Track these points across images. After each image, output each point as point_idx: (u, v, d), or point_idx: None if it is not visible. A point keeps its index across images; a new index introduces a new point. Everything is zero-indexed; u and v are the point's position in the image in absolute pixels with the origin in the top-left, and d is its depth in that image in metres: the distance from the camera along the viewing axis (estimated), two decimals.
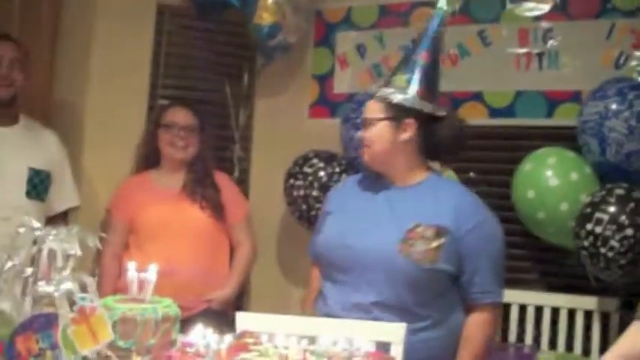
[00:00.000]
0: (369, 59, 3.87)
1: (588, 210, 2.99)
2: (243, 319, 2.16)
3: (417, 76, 2.34)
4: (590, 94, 3.22)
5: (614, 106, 3.09)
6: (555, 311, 3.33)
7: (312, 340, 1.78)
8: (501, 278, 2.37)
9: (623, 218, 2.92)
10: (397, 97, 2.33)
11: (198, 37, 3.94)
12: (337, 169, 3.55)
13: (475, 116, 3.65)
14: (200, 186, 3.28)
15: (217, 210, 3.28)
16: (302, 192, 3.55)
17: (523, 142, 3.54)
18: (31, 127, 3.18)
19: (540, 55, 3.56)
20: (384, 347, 2.02)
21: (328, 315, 2.30)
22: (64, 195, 3.25)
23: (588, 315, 3.26)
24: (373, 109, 2.38)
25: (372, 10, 3.89)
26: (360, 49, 3.92)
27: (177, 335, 1.77)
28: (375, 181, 2.43)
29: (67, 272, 1.67)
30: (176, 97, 3.78)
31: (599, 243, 2.94)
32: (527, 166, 3.27)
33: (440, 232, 2.26)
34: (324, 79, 4.00)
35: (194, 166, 3.32)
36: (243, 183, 3.92)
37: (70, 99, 3.60)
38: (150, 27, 3.77)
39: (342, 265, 2.33)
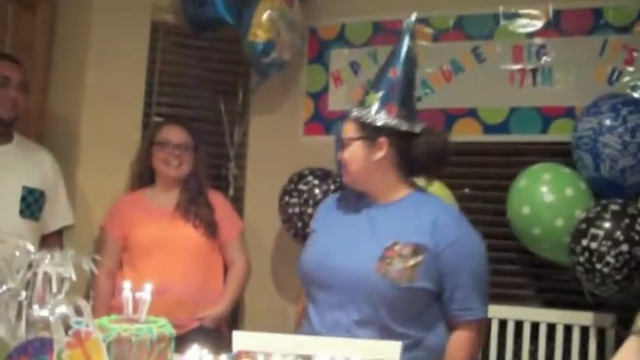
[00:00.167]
0: (363, 76, 3.87)
1: (583, 226, 2.99)
2: (240, 338, 2.15)
3: (388, 94, 2.33)
4: (584, 110, 3.23)
5: (607, 122, 3.10)
6: (551, 327, 3.32)
7: (309, 359, 1.77)
8: (484, 294, 2.35)
9: (618, 234, 2.92)
10: (369, 117, 2.33)
11: (193, 55, 3.95)
12: (332, 187, 3.54)
13: (469, 133, 3.67)
14: (194, 204, 3.28)
15: (211, 228, 3.28)
16: (297, 209, 3.54)
17: (518, 159, 3.55)
18: (25, 146, 3.18)
19: (534, 72, 3.58)
20: None
21: (312, 334, 2.29)
22: (58, 214, 3.25)
23: (584, 331, 3.26)
24: (348, 130, 2.38)
25: (365, 27, 3.90)
26: (354, 66, 3.93)
27: (173, 355, 1.76)
28: (359, 199, 2.42)
29: (61, 296, 1.66)
30: (171, 114, 3.79)
31: (594, 259, 2.94)
32: (522, 182, 3.28)
33: (417, 249, 2.24)
34: (319, 97, 4.00)
35: (188, 184, 3.32)
36: (238, 200, 3.92)
37: (65, 116, 3.60)
38: (144, 44, 3.77)
39: (323, 284, 2.33)
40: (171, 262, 3.16)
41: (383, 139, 2.32)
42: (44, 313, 1.64)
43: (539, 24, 3.59)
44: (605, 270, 2.92)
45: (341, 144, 2.40)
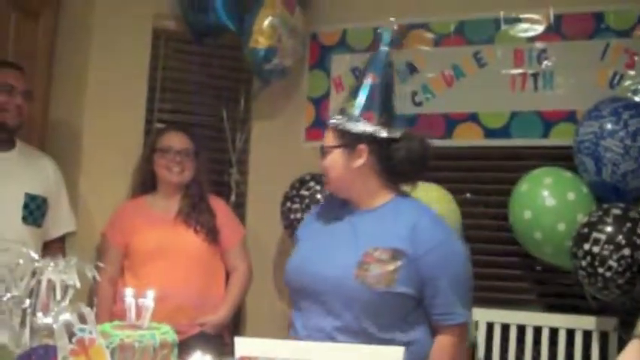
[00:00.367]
0: None
1: (585, 230, 3.00)
2: (242, 344, 2.16)
3: (367, 101, 2.34)
4: (586, 114, 3.23)
5: (609, 126, 3.10)
6: (554, 331, 3.32)
7: None
8: (466, 299, 2.33)
9: (620, 238, 2.92)
10: (347, 124, 2.33)
11: (195, 61, 3.96)
12: None
13: (471, 137, 3.67)
14: (195, 210, 3.29)
15: (212, 234, 3.29)
16: (299, 215, 3.54)
17: (519, 163, 3.54)
18: (28, 153, 3.19)
19: (535, 76, 3.58)
20: None
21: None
22: (60, 220, 3.25)
23: (587, 335, 3.25)
24: (328, 138, 2.39)
25: (366, 33, 3.90)
26: (355, 72, 3.92)
27: None
28: (342, 206, 2.43)
29: (65, 303, 1.67)
30: (173, 120, 3.80)
31: (596, 263, 2.94)
32: (523, 187, 3.28)
33: (396, 255, 2.24)
34: (320, 102, 4.01)
35: (189, 190, 3.32)
36: (240, 206, 3.92)
37: (67, 123, 3.61)
38: (146, 51, 3.78)
39: (306, 291, 2.33)
40: (172, 268, 3.17)
41: (362, 147, 2.33)
42: (48, 320, 1.64)
43: (539, 28, 3.59)
44: (608, 274, 2.93)
45: (322, 152, 2.40)
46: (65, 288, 1.70)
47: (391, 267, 2.23)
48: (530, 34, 3.61)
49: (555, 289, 3.56)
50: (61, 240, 3.29)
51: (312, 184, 3.59)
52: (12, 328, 1.70)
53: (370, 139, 2.32)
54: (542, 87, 3.56)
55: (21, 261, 1.76)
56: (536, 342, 3.35)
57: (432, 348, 2.30)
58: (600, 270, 2.93)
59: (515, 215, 3.29)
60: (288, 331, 2.50)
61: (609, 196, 3.14)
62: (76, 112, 3.63)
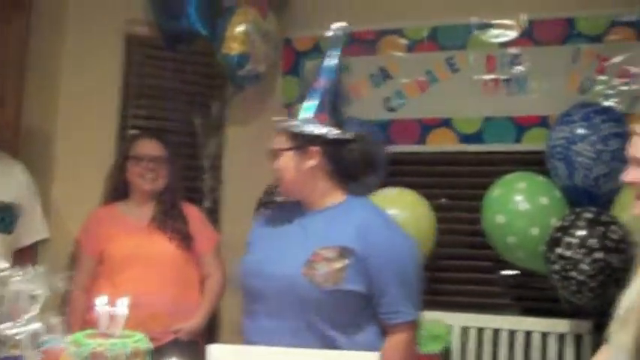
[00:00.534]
0: None
1: (558, 234, 3.02)
2: (216, 351, 2.15)
3: (316, 103, 2.34)
4: (557, 119, 3.26)
5: (580, 131, 3.13)
6: (528, 335, 3.34)
7: None
8: (414, 298, 2.31)
9: (592, 241, 2.94)
10: (298, 127, 2.34)
11: (168, 67, 3.94)
12: None
13: (445, 142, 3.69)
14: (169, 217, 3.27)
15: (186, 241, 3.27)
16: None
17: (492, 168, 3.56)
18: None
19: (508, 81, 3.60)
20: None
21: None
22: (32, 228, 3.22)
23: (562, 338, 3.28)
24: (278, 141, 2.39)
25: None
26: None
27: None
28: (293, 208, 2.44)
29: (33, 313, 1.65)
30: (146, 127, 3.77)
31: (569, 266, 2.96)
32: (496, 192, 3.30)
33: (344, 253, 2.23)
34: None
35: (162, 197, 3.30)
36: (214, 212, 3.91)
37: (39, 129, 3.58)
38: (119, 57, 3.77)
39: (257, 293, 2.32)
40: (146, 275, 3.14)
41: (314, 148, 2.34)
42: (15, 331, 1.62)
43: (512, 34, 3.62)
44: (580, 277, 2.95)
45: (272, 155, 2.41)
46: (33, 298, 1.68)
47: (339, 265, 2.23)
48: (503, 39, 3.64)
49: (529, 293, 3.58)
50: (33, 247, 3.26)
51: None
52: None
53: (322, 141, 2.34)
54: (515, 92, 3.59)
55: None
56: (511, 346, 3.37)
57: (383, 348, 2.30)
58: (573, 273, 2.95)
59: (488, 220, 3.30)
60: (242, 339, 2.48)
61: (582, 200, 3.16)
62: (49, 118, 3.61)
